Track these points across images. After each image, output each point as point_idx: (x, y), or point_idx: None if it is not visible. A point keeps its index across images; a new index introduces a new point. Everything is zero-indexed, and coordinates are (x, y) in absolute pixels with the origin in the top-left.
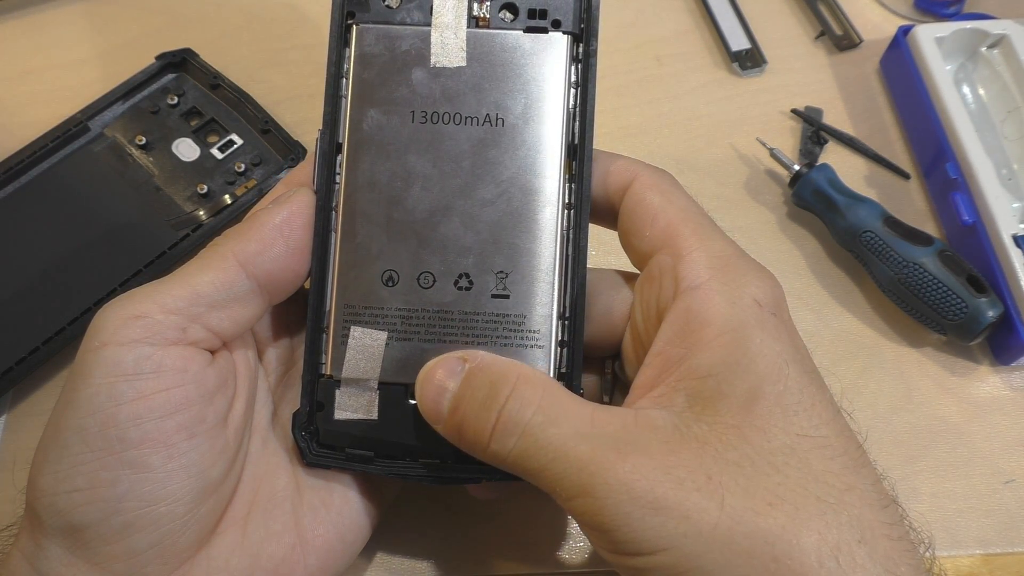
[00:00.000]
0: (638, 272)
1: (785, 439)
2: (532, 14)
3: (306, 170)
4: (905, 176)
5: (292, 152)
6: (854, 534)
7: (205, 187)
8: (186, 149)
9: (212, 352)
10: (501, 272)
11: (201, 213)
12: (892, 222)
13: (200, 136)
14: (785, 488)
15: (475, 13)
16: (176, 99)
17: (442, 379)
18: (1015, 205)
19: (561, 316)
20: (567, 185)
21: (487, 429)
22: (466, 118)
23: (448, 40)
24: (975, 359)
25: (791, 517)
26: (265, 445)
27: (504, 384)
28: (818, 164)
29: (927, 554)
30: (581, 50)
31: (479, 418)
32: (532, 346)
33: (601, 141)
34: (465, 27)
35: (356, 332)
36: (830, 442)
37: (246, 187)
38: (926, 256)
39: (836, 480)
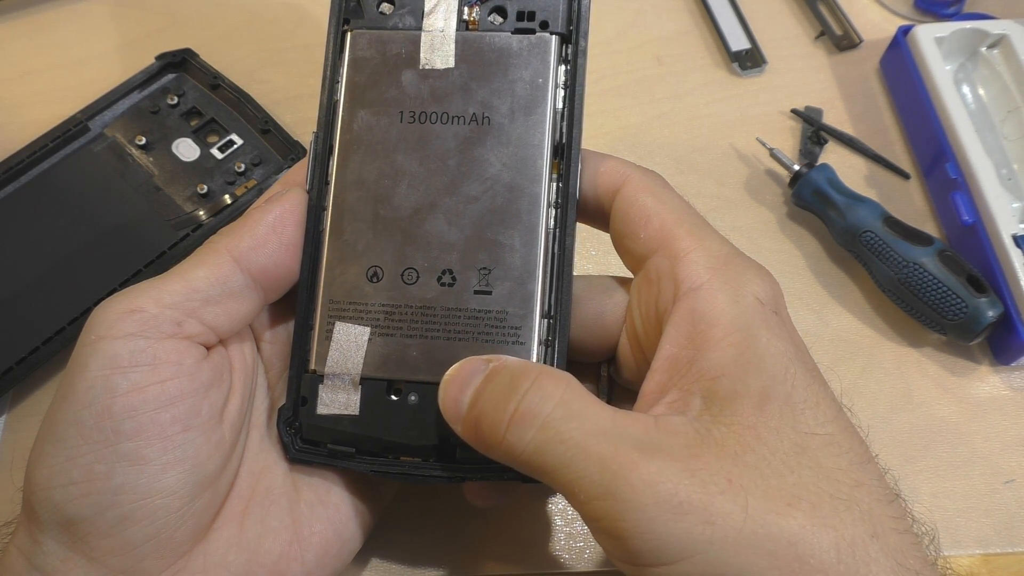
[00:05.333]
0: (631, 277)
1: (795, 438)
2: (521, 16)
3: (302, 170)
4: (905, 176)
5: (292, 152)
6: (867, 529)
7: (205, 187)
8: (186, 149)
9: (208, 347)
10: (484, 268)
11: (201, 213)
12: (892, 222)
13: (200, 136)
14: (800, 487)
15: (465, 17)
16: (176, 99)
17: (465, 378)
18: (1015, 205)
19: (545, 315)
20: (554, 184)
21: (504, 420)
22: (453, 117)
23: (436, 42)
24: (975, 359)
25: (809, 516)
26: (263, 442)
27: (524, 378)
28: (818, 164)
29: (931, 547)
30: (570, 50)
31: (497, 409)
32: (513, 343)
33: (601, 141)
34: (454, 30)
35: (340, 327)
36: (836, 439)
37: (246, 187)
38: (926, 256)
39: (845, 477)
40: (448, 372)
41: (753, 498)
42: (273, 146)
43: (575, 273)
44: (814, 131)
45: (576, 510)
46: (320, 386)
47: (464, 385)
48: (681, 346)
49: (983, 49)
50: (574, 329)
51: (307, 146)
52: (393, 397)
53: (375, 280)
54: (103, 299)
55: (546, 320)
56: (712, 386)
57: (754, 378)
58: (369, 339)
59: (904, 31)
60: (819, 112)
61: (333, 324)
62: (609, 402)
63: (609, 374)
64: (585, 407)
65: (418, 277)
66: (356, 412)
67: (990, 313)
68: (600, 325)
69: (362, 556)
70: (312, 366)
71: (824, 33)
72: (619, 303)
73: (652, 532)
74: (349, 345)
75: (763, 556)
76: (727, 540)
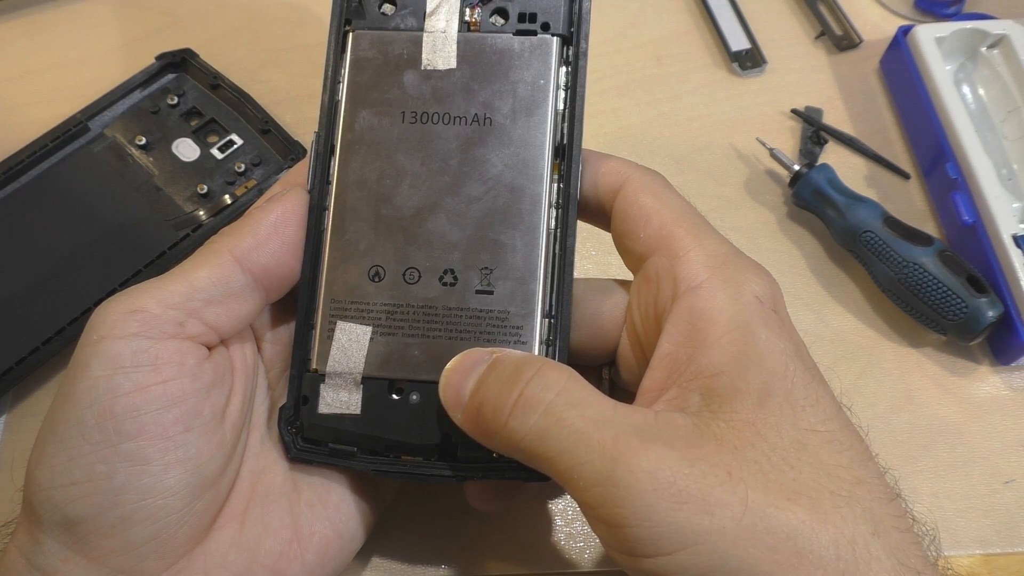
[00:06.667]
0: (630, 279)
1: (795, 434)
2: (522, 17)
3: (303, 170)
4: (905, 176)
5: (292, 152)
6: (868, 527)
7: (205, 187)
8: (186, 149)
9: (209, 347)
10: (486, 268)
11: (201, 213)
12: (892, 222)
13: (200, 136)
14: (800, 483)
15: (467, 18)
16: (176, 99)
17: (468, 367)
18: (1015, 205)
19: (546, 314)
20: (555, 184)
21: (507, 406)
22: (455, 118)
23: (438, 43)
24: (975, 359)
25: (809, 511)
26: (263, 441)
27: (528, 367)
28: (818, 164)
29: (931, 547)
30: (571, 52)
31: (500, 395)
32: (515, 343)
33: (601, 141)
34: (456, 31)
35: (342, 326)
36: (837, 436)
37: (246, 187)
38: (926, 256)
39: (846, 474)
40: (450, 362)
41: (753, 491)
42: (273, 146)
43: (575, 274)
44: (814, 131)
45: (575, 499)
46: (322, 385)
47: (467, 374)
48: (680, 344)
49: (983, 49)
50: (574, 331)
51: (307, 146)
52: (395, 396)
53: (377, 280)
54: (103, 299)
55: (547, 320)
56: (711, 383)
57: (753, 375)
58: (371, 338)
59: (904, 31)
60: (819, 112)
61: (335, 323)
62: None
63: (611, 376)
64: (587, 396)
65: (420, 277)
66: (358, 411)
67: (990, 313)
68: (599, 326)
69: (362, 556)
70: (314, 365)
71: (824, 33)
72: (619, 304)
73: (650, 520)
74: (351, 344)
75: (761, 549)
76: (726, 531)
